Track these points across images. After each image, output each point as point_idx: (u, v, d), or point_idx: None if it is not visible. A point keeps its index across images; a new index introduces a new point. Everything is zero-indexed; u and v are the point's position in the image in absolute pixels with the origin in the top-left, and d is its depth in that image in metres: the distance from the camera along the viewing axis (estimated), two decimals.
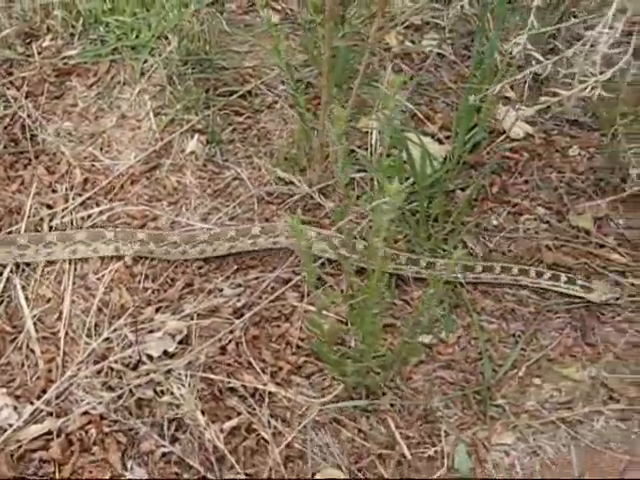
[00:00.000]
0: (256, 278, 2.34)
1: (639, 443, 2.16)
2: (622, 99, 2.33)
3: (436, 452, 2.07)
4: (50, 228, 2.43)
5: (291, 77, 2.23)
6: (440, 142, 2.69)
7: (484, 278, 2.42)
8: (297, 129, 2.48)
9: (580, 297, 2.41)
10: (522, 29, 1.98)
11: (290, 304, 2.28)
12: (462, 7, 2.98)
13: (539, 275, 2.42)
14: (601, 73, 1.82)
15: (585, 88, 1.83)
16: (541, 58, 1.94)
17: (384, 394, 2.13)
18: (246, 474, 1.94)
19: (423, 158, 2.37)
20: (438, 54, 3.02)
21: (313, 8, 2.06)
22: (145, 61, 2.81)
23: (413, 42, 3.11)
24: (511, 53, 2.04)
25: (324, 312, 1.95)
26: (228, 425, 2.01)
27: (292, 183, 2.46)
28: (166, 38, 2.85)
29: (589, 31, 1.80)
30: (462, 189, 2.61)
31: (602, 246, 2.59)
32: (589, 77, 1.76)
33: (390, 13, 3.06)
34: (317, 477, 1.96)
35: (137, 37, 2.85)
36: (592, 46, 1.81)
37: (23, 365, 2.14)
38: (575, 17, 2.67)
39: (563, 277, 2.41)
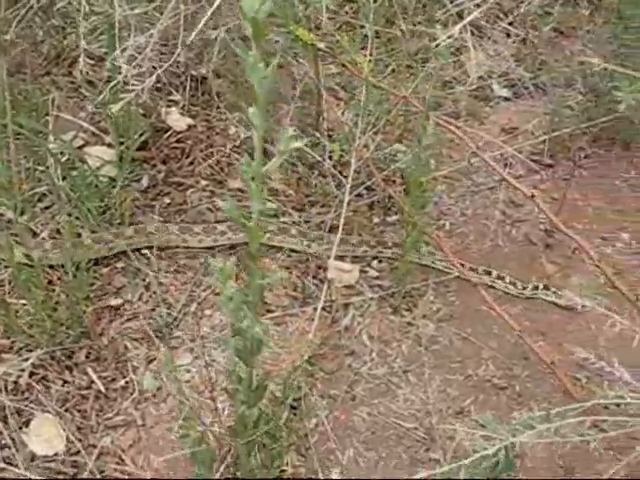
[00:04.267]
0: None
1: (291, 339, 2.85)
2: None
3: (127, 382, 2.65)
4: None
5: None
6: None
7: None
8: None
9: None
10: None
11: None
12: None
13: None
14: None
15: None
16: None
17: (80, 349, 2.72)
18: None
19: (81, 165, 3.00)
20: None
21: None
22: None
23: (95, 71, 3.71)
24: None
25: None
26: None
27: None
28: None
29: None
30: (136, 181, 3.24)
31: None
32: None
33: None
34: (32, 424, 2.53)
35: None
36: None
37: None
38: None
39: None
